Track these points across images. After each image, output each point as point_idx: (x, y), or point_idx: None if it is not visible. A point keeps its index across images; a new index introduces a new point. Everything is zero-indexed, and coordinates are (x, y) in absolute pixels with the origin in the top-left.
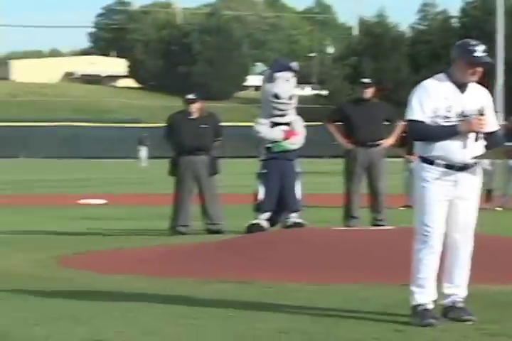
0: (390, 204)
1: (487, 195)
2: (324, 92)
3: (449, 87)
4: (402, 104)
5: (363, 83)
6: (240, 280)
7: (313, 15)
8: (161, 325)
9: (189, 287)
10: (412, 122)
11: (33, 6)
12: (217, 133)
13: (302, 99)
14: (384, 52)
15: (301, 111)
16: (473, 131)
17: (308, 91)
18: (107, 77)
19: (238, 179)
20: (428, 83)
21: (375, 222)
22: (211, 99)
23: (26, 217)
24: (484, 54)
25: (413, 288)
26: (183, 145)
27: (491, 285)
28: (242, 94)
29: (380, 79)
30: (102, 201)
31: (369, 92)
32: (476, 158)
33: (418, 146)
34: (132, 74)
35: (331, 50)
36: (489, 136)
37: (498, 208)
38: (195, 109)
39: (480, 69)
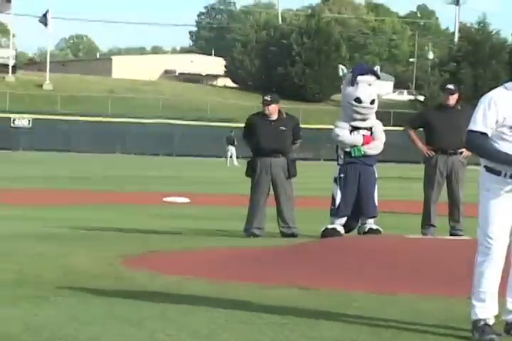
0: (470, 213)
1: None
2: (421, 98)
3: None
4: None
5: (448, 89)
6: (304, 286)
7: (415, 21)
8: (213, 329)
9: (250, 291)
10: (472, 133)
11: (136, 4)
12: (296, 135)
13: (399, 104)
14: (483, 60)
15: (398, 116)
16: None
17: (405, 96)
18: (205, 75)
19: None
20: (495, 93)
21: (453, 232)
22: (308, 101)
23: (109, 213)
24: None
25: (474, 302)
26: (261, 147)
27: None
28: (339, 96)
29: (478, 86)
30: (186, 200)
31: (453, 99)
32: None
33: None
34: (230, 73)
35: (431, 55)
36: None
37: None
38: (271, 110)
39: None
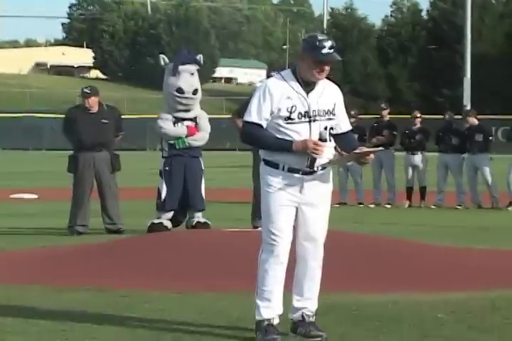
0: None
1: (421, 192)
2: None
3: (293, 85)
4: (369, 97)
5: None
6: (99, 287)
7: (288, 8)
8: None
9: (41, 295)
10: (247, 124)
11: None
12: (118, 127)
13: None
14: (352, 45)
15: None
16: (308, 155)
17: None
18: (77, 67)
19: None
20: (270, 82)
21: None
22: None
23: None
24: (331, 50)
25: (258, 302)
26: (83, 141)
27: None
28: (210, 86)
29: (347, 71)
30: (34, 196)
31: None
32: (324, 164)
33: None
34: (99, 64)
35: None
36: (341, 137)
37: (432, 206)
38: (92, 103)
39: (327, 68)
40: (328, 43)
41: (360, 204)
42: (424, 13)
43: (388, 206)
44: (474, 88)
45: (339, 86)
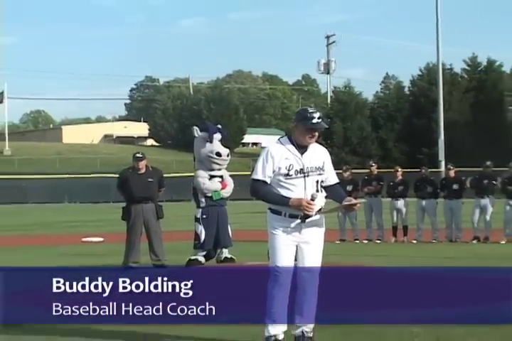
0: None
1: (404, 230)
2: None
3: (290, 148)
4: (365, 155)
5: None
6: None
7: (300, 88)
8: None
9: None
10: (254, 181)
11: (79, 83)
12: (161, 184)
13: None
14: (350, 115)
15: None
16: (301, 211)
17: None
18: (137, 137)
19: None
20: (271, 147)
21: None
22: None
23: (23, 254)
24: (319, 120)
25: (267, 321)
26: (133, 195)
27: None
28: (240, 149)
29: (347, 136)
30: (100, 239)
31: None
32: (317, 211)
33: None
34: (153, 135)
35: None
36: (330, 189)
37: (413, 241)
38: (142, 165)
39: (316, 134)
40: (317, 114)
41: (356, 240)
42: (406, 89)
43: (378, 241)
44: (447, 147)
45: (327, 148)
